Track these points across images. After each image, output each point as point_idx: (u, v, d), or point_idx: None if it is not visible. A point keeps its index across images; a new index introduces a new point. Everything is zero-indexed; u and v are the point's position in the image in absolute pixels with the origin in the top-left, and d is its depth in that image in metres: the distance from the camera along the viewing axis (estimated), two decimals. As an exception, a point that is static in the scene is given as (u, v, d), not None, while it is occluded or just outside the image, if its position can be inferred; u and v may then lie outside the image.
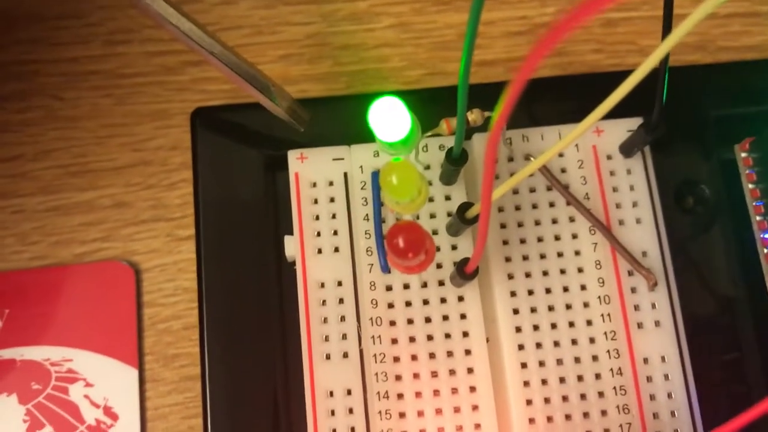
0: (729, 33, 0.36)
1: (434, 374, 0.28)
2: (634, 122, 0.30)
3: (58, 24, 0.36)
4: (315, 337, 0.29)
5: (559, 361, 0.29)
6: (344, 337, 0.29)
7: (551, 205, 0.30)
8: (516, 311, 0.29)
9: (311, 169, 0.30)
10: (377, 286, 0.29)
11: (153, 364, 0.32)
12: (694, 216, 0.31)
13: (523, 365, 0.29)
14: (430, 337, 0.29)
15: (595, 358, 0.29)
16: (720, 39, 0.36)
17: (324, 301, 0.29)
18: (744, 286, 0.31)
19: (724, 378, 0.30)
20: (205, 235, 0.31)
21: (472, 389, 0.28)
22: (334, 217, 0.30)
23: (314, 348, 0.29)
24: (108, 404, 0.32)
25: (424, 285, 0.29)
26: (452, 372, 0.28)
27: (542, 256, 0.30)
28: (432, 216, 0.30)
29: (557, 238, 0.30)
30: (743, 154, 0.31)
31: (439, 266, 0.29)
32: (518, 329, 0.29)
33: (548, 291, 0.29)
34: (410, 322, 0.29)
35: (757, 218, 0.31)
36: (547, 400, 0.28)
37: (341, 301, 0.29)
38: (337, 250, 0.30)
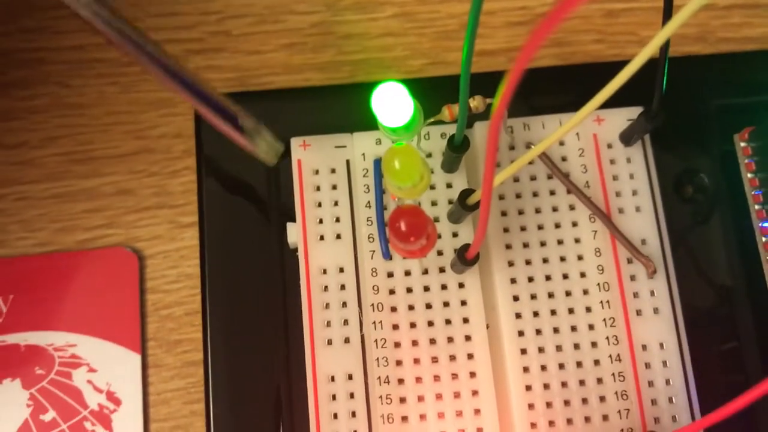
0: (729, 24, 0.36)
1: (434, 360, 0.29)
2: (634, 111, 0.31)
3: (63, 12, 0.36)
4: (317, 322, 0.29)
5: (559, 348, 0.29)
6: (346, 322, 0.29)
7: (552, 193, 0.30)
8: (516, 298, 0.29)
9: (314, 157, 0.31)
10: (379, 272, 0.29)
11: (156, 350, 0.33)
12: (693, 205, 0.32)
13: (523, 351, 0.29)
14: (430, 323, 0.29)
15: (594, 344, 0.29)
16: (720, 30, 0.36)
17: (326, 287, 0.29)
18: (742, 274, 0.31)
19: (722, 365, 0.30)
20: (208, 222, 0.32)
21: (472, 375, 0.28)
22: (336, 204, 0.30)
23: (316, 333, 0.29)
24: (111, 389, 0.32)
25: (425, 272, 0.29)
26: (452, 358, 0.29)
27: (542, 244, 0.30)
28: (433, 203, 0.30)
29: (557, 225, 0.30)
30: (742, 144, 0.32)
31: (440, 253, 0.30)
32: (518, 316, 0.29)
33: (548, 278, 0.30)
34: (411, 308, 0.29)
35: (756, 207, 0.31)
36: (546, 386, 0.28)
37: (343, 287, 0.30)
38: (339, 236, 0.30)
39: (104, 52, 0.35)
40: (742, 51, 0.36)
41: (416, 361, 0.29)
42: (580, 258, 0.30)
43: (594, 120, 0.31)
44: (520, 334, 0.29)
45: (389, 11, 0.36)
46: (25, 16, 0.36)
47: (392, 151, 0.24)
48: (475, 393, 0.28)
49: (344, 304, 0.29)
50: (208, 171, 0.32)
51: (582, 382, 0.29)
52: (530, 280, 0.29)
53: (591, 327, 0.29)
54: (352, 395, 0.29)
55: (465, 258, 0.27)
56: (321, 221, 0.30)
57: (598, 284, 0.29)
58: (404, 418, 0.28)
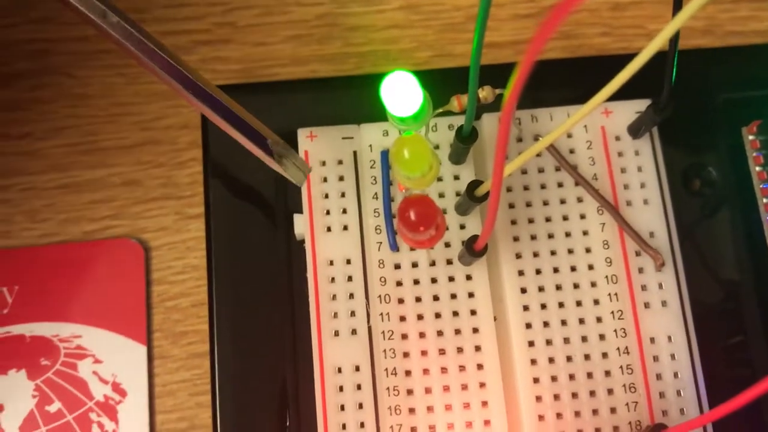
0: (737, 18, 0.36)
1: (442, 352, 0.29)
2: (642, 104, 0.31)
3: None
4: (324, 314, 0.29)
5: (567, 340, 0.29)
6: (353, 314, 0.29)
7: (560, 185, 0.30)
8: (524, 290, 0.29)
9: (321, 148, 0.31)
10: (386, 264, 0.29)
11: (161, 341, 0.33)
12: (701, 198, 0.32)
13: (531, 344, 0.29)
14: (438, 315, 0.29)
15: (602, 337, 0.29)
16: (728, 24, 0.36)
17: (333, 279, 0.29)
18: (750, 268, 0.31)
19: (730, 358, 0.30)
20: (214, 213, 0.32)
21: (480, 367, 0.28)
22: (343, 195, 0.30)
23: (323, 325, 0.29)
24: (116, 380, 0.32)
25: (433, 264, 0.29)
26: (460, 350, 0.29)
27: (550, 236, 0.30)
28: (441, 195, 0.30)
29: (565, 218, 0.30)
30: (751, 137, 0.32)
31: (447, 245, 0.29)
32: (526, 308, 0.29)
33: (556, 270, 0.29)
34: (418, 300, 0.29)
35: (764, 201, 0.31)
36: (554, 379, 0.28)
37: (350, 278, 0.29)
38: (346, 228, 0.30)
39: (109, 43, 0.35)
40: (749, 44, 0.36)
41: (423, 353, 0.29)
42: (588, 250, 0.30)
43: (602, 112, 0.31)
44: (528, 326, 0.29)
45: (395, 3, 0.36)
46: (31, 7, 0.36)
47: (401, 140, 0.24)
48: (482, 385, 0.28)
49: (351, 296, 0.29)
50: (214, 162, 0.32)
51: (590, 375, 0.29)
52: (538, 272, 0.29)
53: (599, 319, 0.29)
54: (359, 387, 0.28)
55: (473, 249, 0.27)
56: (328, 212, 0.30)
57: (606, 277, 0.29)
58: (411, 410, 0.28)
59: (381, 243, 0.29)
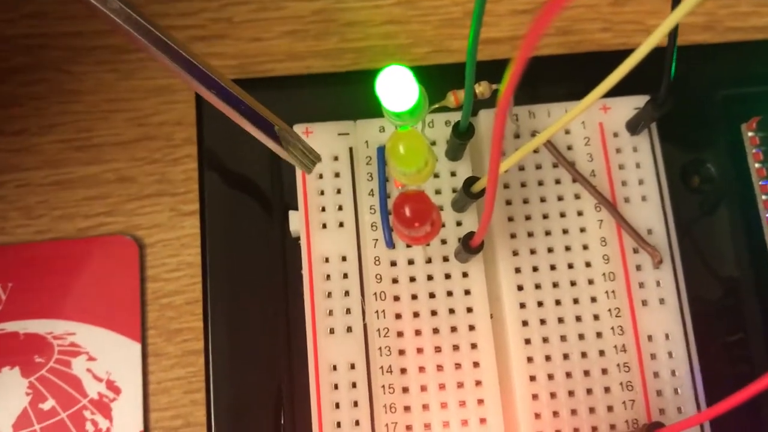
0: (737, 13, 0.36)
1: (438, 349, 0.28)
2: (641, 100, 0.30)
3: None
4: (319, 311, 0.29)
5: (563, 338, 0.29)
6: (348, 311, 0.29)
7: (557, 182, 0.30)
8: (520, 287, 0.29)
9: (316, 144, 0.30)
10: (382, 261, 0.29)
11: (156, 339, 0.32)
12: (700, 195, 0.31)
13: (527, 341, 0.28)
14: (434, 313, 0.29)
15: (599, 334, 0.29)
16: (728, 19, 0.36)
17: (328, 276, 0.29)
18: (749, 265, 0.31)
19: (728, 356, 0.30)
20: (209, 210, 0.31)
21: (476, 365, 0.28)
22: (339, 192, 0.30)
23: (318, 322, 0.29)
24: (111, 378, 0.32)
25: (429, 261, 0.29)
26: (456, 347, 0.28)
27: (547, 233, 0.30)
28: (437, 192, 0.30)
29: (562, 215, 0.30)
30: (750, 134, 0.31)
31: (443, 242, 0.29)
32: (522, 305, 0.29)
33: (553, 268, 0.29)
34: (414, 297, 0.29)
35: (764, 197, 0.31)
36: (550, 376, 0.28)
37: (345, 275, 0.29)
38: (341, 225, 0.30)
39: (104, 38, 0.35)
40: (749, 40, 0.36)
41: (419, 350, 0.28)
42: (585, 247, 0.30)
43: (600, 108, 0.31)
44: (524, 323, 0.29)
45: (392, -2, 0.36)
46: (27, 2, 0.36)
47: (397, 135, 0.24)
48: (478, 383, 0.28)
49: (347, 293, 0.29)
50: (209, 159, 0.32)
51: (587, 373, 0.28)
52: (535, 269, 0.29)
53: (596, 317, 0.29)
54: (354, 385, 0.28)
55: (469, 246, 0.27)
56: (323, 209, 0.30)
57: (604, 274, 0.29)
58: (407, 408, 0.28)
59: (377, 240, 0.29)
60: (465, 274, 0.29)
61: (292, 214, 0.30)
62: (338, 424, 0.28)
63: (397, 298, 0.29)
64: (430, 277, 0.29)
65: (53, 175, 0.34)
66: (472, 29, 0.22)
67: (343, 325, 0.29)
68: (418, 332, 0.29)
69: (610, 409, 0.28)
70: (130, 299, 0.32)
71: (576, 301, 0.29)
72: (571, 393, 0.28)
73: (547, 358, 0.28)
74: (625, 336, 0.29)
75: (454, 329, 0.29)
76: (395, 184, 0.29)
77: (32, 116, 0.34)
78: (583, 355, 0.28)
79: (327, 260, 0.29)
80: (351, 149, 0.30)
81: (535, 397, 0.28)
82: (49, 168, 0.34)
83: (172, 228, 0.33)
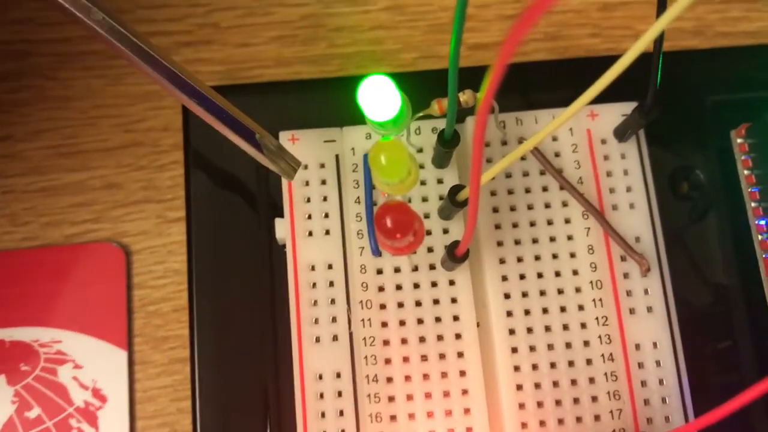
0: (727, 18, 0.36)
1: (424, 358, 0.28)
2: (628, 106, 0.30)
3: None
4: (305, 319, 0.29)
5: (550, 346, 0.28)
6: (334, 320, 0.29)
7: (544, 189, 0.30)
8: (507, 296, 0.29)
9: (302, 151, 0.30)
10: (368, 269, 0.29)
11: (142, 346, 0.32)
12: (688, 202, 0.31)
13: (514, 350, 0.28)
14: (420, 321, 0.29)
15: (586, 343, 0.29)
16: (718, 24, 0.36)
17: (314, 284, 0.29)
18: (738, 273, 0.31)
19: (717, 364, 0.30)
20: (195, 217, 0.31)
21: (462, 374, 0.28)
22: (325, 199, 0.30)
23: (304, 331, 0.29)
24: (97, 386, 0.31)
25: (415, 269, 0.29)
26: (442, 356, 0.28)
27: (534, 241, 0.29)
28: (424, 199, 0.30)
29: (550, 222, 0.30)
30: (739, 140, 0.31)
31: (430, 250, 0.29)
32: (509, 314, 0.29)
33: (540, 275, 0.29)
34: (401, 305, 0.29)
35: (752, 204, 0.31)
36: (537, 385, 0.28)
37: (331, 284, 0.29)
38: (327, 233, 0.30)
39: (91, 44, 0.35)
40: (739, 45, 0.35)
41: (405, 359, 0.28)
42: (572, 255, 0.29)
43: (588, 115, 0.31)
44: (511, 332, 0.28)
45: (381, 4, 0.36)
46: (13, 7, 0.35)
47: (378, 145, 0.24)
48: (465, 392, 0.28)
49: (332, 301, 0.29)
50: (195, 165, 0.32)
51: (574, 382, 0.28)
52: (522, 277, 0.29)
53: (583, 326, 0.29)
54: (339, 394, 0.28)
55: (454, 255, 0.27)
56: (310, 217, 0.30)
57: (591, 282, 0.29)
58: (393, 417, 0.28)
59: (363, 248, 0.29)
60: (451, 282, 0.29)
61: (278, 221, 0.30)
62: (324, 434, 0.28)
63: (383, 307, 0.29)
64: (416, 285, 0.29)
65: (39, 182, 0.34)
66: (453, 38, 0.21)
67: (329, 334, 0.29)
68: (404, 341, 0.28)
69: (597, 418, 0.28)
70: (117, 307, 0.32)
71: (563, 309, 0.29)
72: (558, 402, 0.28)
73: (534, 366, 0.28)
74: (613, 345, 0.29)
75: (440, 338, 0.28)
76: (381, 192, 0.29)
77: (18, 123, 0.34)
78: (570, 363, 0.28)
79: (313, 268, 0.29)
80: (337, 156, 0.30)
81: (521, 406, 0.28)
82: (36, 175, 0.34)
83: (159, 235, 0.33)
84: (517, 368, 0.28)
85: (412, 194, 0.29)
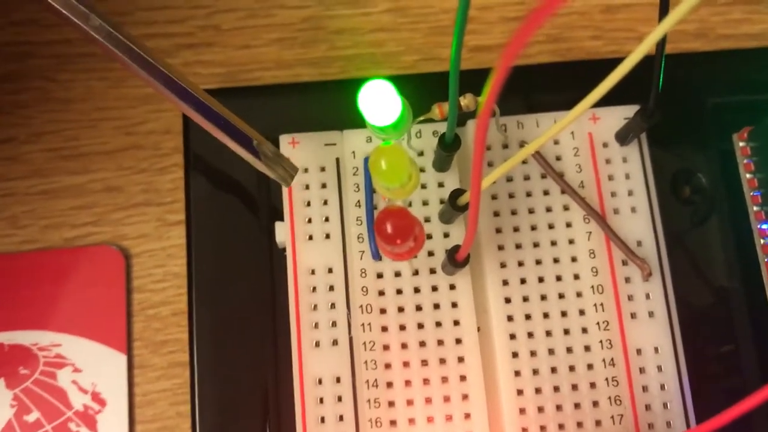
0: (730, 21, 0.36)
1: (424, 363, 0.28)
2: (630, 110, 0.30)
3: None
4: (304, 324, 0.29)
5: (551, 351, 0.28)
6: (334, 324, 0.29)
7: (545, 193, 0.30)
8: (508, 300, 0.29)
9: (303, 154, 0.30)
10: (368, 273, 0.29)
11: (142, 350, 0.32)
12: (690, 206, 0.31)
13: (515, 355, 0.28)
14: (420, 326, 0.28)
15: (587, 348, 0.28)
16: (720, 27, 0.36)
17: (314, 288, 0.29)
18: (740, 277, 0.30)
19: (718, 370, 0.30)
20: (195, 220, 0.31)
21: (463, 378, 0.28)
22: (325, 203, 0.30)
23: (303, 335, 0.28)
24: (96, 390, 0.31)
25: (416, 273, 0.29)
26: (442, 361, 0.28)
27: (535, 245, 0.29)
28: (425, 203, 0.30)
29: (551, 226, 0.30)
30: (741, 144, 0.31)
31: (430, 254, 0.29)
32: (510, 318, 0.28)
33: (541, 280, 0.29)
34: (401, 310, 0.29)
35: (755, 208, 0.30)
36: (538, 390, 0.28)
37: (331, 288, 0.29)
38: (328, 236, 0.29)
39: (92, 46, 0.34)
40: (741, 48, 0.35)
41: (405, 364, 0.28)
42: (573, 260, 0.29)
43: (589, 118, 0.30)
44: (512, 337, 0.28)
45: (382, 6, 0.36)
46: (14, 9, 0.35)
47: (379, 150, 0.24)
48: (465, 397, 0.28)
49: (332, 306, 0.29)
50: (196, 168, 0.32)
51: (575, 387, 0.28)
52: (523, 281, 0.29)
53: (584, 330, 0.29)
54: (339, 398, 0.28)
55: (455, 259, 0.27)
56: (310, 220, 0.30)
57: (592, 287, 0.29)
58: (393, 422, 0.28)
59: (363, 252, 0.29)
60: (452, 287, 0.29)
61: (278, 225, 0.30)
62: (323, 439, 0.28)
63: (383, 311, 0.29)
64: (416, 290, 0.29)
65: (40, 185, 0.34)
66: (454, 42, 0.21)
67: (329, 338, 0.28)
68: (404, 345, 0.28)
69: (598, 423, 0.28)
70: (116, 310, 0.32)
71: (564, 314, 0.29)
72: (558, 407, 0.28)
73: (535, 371, 0.28)
74: (614, 349, 0.28)
75: (440, 342, 0.28)
76: (382, 196, 0.28)
77: (20, 125, 0.34)
78: (571, 368, 0.28)
79: (313, 272, 0.29)
80: (338, 160, 0.30)
81: (522, 411, 0.28)
82: (36, 177, 0.34)
83: (159, 238, 0.33)
84: (517, 373, 0.28)
85: (412, 198, 0.29)
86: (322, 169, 0.30)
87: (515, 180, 0.30)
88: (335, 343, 0.28)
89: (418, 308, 0.29)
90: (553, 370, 0.28)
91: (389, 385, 0.28)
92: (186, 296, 0.31)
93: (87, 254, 0.33)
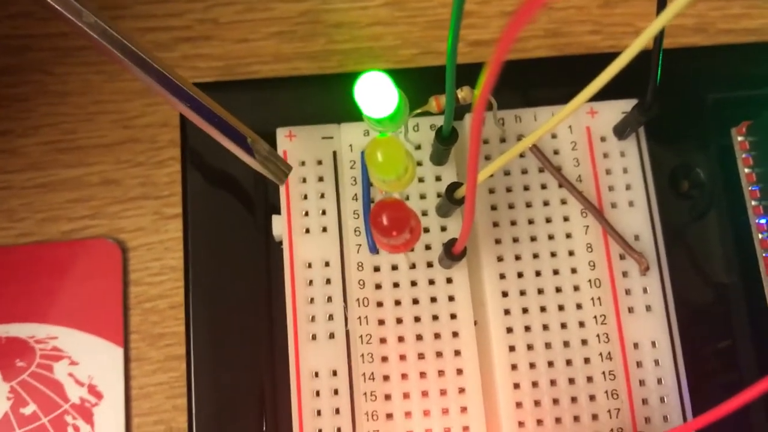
0: (729, 15, 0.36)
1: (421, 356, 0.28)
2: (628, 104, 0.30)
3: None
4: (301, 317, 0.28)
5: (548, 345, 0.28)
6: (331, 317, 0.29)
7: (543, 187, 0.30)
8: (505, 294, 0.29)
9: (300, 148, 0.30)
10: (365, 266, 0.29)
11: (139, 343, 0.32)
12: (688, 200, 0.31)
13: (511, 348, 0.28)
14: (417, 319, 0.28)
15: (584, 342, 0.28)
16: (720, 22, 0.36)
17: (311, 281, 0.29)
18: (738, 272, 0.30)
19: (715, 364, 0.29)
20: (192, 213, 0.31)
21: (459, 372, 0.28)
22: (322, 196, 0.30)
23: (300, 328, 0.28)
24: (93, 383, 0.31)
25: (413, 266, 0.29)
26: (439, 354, 0.28)
27: (533, 239, 0.29)
28: (422, 197, 0.29)
29: (548, 220, 0.29)
30: (740, 138, 0.31)
31: (428, 247, 0.29)
32: (507, 312, 0.28)
33: (538, 274, 0.29)
34: (398, 303, 0.29)
35: (753, 203, 0.30)
36: (534, 384, 0.28)
37: (328, 281, 0.29)
38: (325, 230, 0.29)
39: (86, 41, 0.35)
40: (740, 43, 0.35)
41: (402, 357, 0.28)
42: (571, 253, 0.29)
43: (587, 112, 0.30)
44: (509, 330, 0.28)
45: (380, 0, 0.35)
46: (11, 2, 0.35)
47: (375, 142, 0.24)
48: (461, 390, 0.28)
49: (329, 299, 0.29)
50: (192, 162, 0.31)
51: (571, 381, 0.28)
52: (520, 275, 0.29)
53: (581, 324, 0.29)
54: (336, 391, 0.28)
55: (452, 253, 0.26)
56: (307, 214, 0.30)
57: (590, 281, 0.29)
58: (389, 416, 0.28)
59: (360, 245, 0.29)
60: (449, 280, 0.29)
61: (275, 218, 0.30)
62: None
63: (380, 304, 0.28)
64: (413, 283, 0.29)
65: (37, 178, 0.34)
66: (450, 34, 0.21)
67: (326, 332, 0.28)
68: (401, 339, 0.28)
69: (595, 417, 0.28)
70: (113, 303, 0.32)
71: (561, 307, 0.29)
72: (555, 401, 0.28)
73: (532, 365, 0.28)
74: (611, 343, 0.28)
75: (437, 336, 0.28)
76: (379, 189, 0.28)
77: (17, 118, 0.34)
78: (568, 362, 0.28)
79: (309, 265, 0.29)
80: (335, 153, 0.30)
81: (519, 404, 0.28)
82: (33, 170, 0.34)
83: (156, 231, 0.33)
84: (514, 367, 0.28)
85: (410, 191, 0.29)
86: (319, 163, 0.30)
87: (513, 174, 0.30)
88: (332, 336, 0.28)
89: (415, 302, 0.29)
90: (550, 363, 0.28)
91: (386, 378, 0.28)
92: (183, 289, 0.31)
93: (84, 247, 0.33)
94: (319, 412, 0.28)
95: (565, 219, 0.29)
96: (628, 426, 0.28)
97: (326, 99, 0.31)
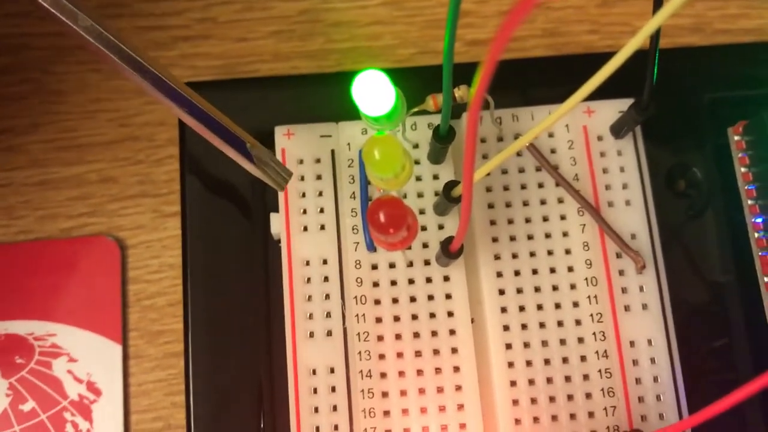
0: (726, 15, 0.36)
1: (418, 354, 0.28)
2: (625, 103, 0.30)
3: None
4: (299, 314, 0.29)
5: (545, 343, 0.28)
6: (328, 315, 0.29)
7: (540, 185, 0.30)
8: (502, 292, 0.29)
9: (298, 146, 0.30)
10: (362, 264, 0.29)
11: (137, 341, 0.32)
12: (685, 199, 0.31)
13: (508, 346, 0.28)
14: (414, 317, 0.28)
15: (581, 340, 0.28)
16: (717, 21, 0.36)
17: (308, 279, 0.29)
18: (734, 271, 0.30)
19: (712, 362, 0.30)
20: (190, 211, 0.31)
21: (456, 369, 0.28)
22: (320, 194, 0.30)
23: (298, 326, 0.28)
24: (91, 380, 0.31)
25: (410, 264, 0.29)
26: (436, 352, 0.28)
27: (530, 237, 0.29)
28: (419, 195, 0.30)
29: (545, 219, 0.30)
30: (736, 138, 0.31)
31: (425, 245, 0.29)
32: (504, 310, 0.29)
33: (535, 272, 0.29)
34: (395, 301, 0.29)
35: (749, 202, 0.30)
36: (531, 382, 0.28)
37: (326, 279, 0.29)
38: (322, 227, 0.30)
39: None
40: (737, 43, 0.35)
41: (399, 355, 0.28)
42: (567, 252, 0.29)
43: (584, 111, 0.31)
44: (506, 328, 0.28)
45: (378, -1, 0.36)
46: (9, 1, 0.35)
47: (372, 140, 0.24)
48: (458, 388, 0.28)
49: (327, 297, 0.29)
50: (191, 160, 0.32)
51: (568, 379, 0.28)
52: (517, 273, 0.29)
53: (578, 322, 0.29)
54: (333, 389, 0.28)
55: (449, 251, 0.27)
56: (305, 212, 0.30)
57: (586, 279, 0.29)
58: (386, 413, 0.28)
59: (358, 243, 0.29)
60: (446, 278, 0.29)
61: (273, 216, 0.30)
62: (317, 429, 0.28)
63: (377, 302, 0.29)
64: (411, 281, 0.29)
65: (36, 175, 0.34)
66: (447, 32, 0.21)
67: (323, 329, 0.29)
68: (398, 336, 0.28)
69: (591, 415, 0.28)
70: (112, 301, 0.32)
71: (558, 305, 0.29)
72: (551, 399, 0.28)
73: (528, 363, 0.28)
74: (607, 341, 0.28)
75: (434, 333, 0.28)
76: (377, 187, 0.29)
77: (16, 116, 0.34)
78: (565, 360, 0.28)
79: (307, 263, 0.29)
80: (333, 151, 0.30)
81: (515, 402, 0.28)
82: (33, 168, 0.34)
83: (155, 229, 0.33)
84: (511, 364, 0.28)
85: (407, 190, 0.29)
86: (318, 161, 0.30)
87: (510, 172, 0.30)
88: (329, 333, 0.29)
89: (413, 299, 0.29)
90: (547, 361, 0.28)
91: (383, 375, 0.28)
92: (181, 287, 0.31)
93: (83, 245, 0.33)
94: (316, 409, 0.28)
95: (562, 218, 0.30)
96: (624, 424, 0.28)
97: (324, 97, 0.31)
